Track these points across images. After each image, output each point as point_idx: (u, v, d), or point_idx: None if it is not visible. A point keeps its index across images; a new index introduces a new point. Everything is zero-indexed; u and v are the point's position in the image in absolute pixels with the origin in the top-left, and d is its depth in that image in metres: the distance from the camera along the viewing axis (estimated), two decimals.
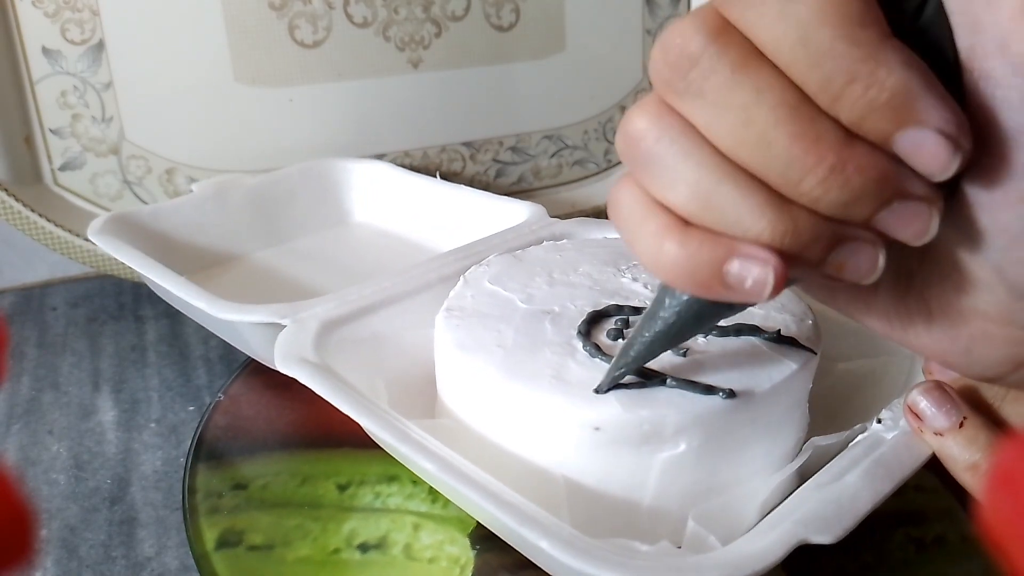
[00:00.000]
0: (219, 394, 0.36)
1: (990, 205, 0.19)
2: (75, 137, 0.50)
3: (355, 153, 0.55)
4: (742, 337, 0.28)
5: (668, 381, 0.26)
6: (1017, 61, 0.17)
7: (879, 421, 0.27)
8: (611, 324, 0.29)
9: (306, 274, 0.47)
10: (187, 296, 0.36)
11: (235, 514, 0.30)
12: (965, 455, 0.24)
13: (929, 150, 0.18)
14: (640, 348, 0.25)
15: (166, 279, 0.38)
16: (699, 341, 0.28)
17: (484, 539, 0.23)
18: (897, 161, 0.18)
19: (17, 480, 0.11)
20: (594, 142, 0.63)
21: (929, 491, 0.31)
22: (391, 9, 0.54)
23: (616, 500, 0.27)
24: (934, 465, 0.26)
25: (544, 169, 0.62)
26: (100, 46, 0.49)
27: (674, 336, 0.24)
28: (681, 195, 0.19)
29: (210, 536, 0.29)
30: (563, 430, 0.26)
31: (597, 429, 0.25)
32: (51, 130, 0.49)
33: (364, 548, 0.29)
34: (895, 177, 0.18)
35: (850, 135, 0.18)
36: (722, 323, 0.28)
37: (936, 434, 0.25)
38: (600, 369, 0.27)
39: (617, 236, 0.39)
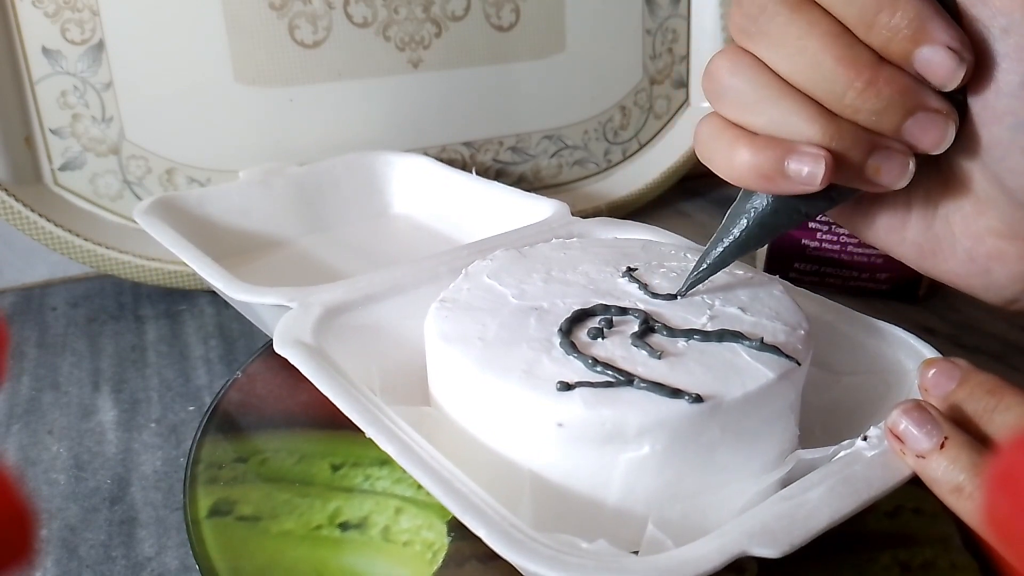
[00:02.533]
0: (238, 372, 0.37)
1: (986, 120, 0.24)
2: (75, 137, 0.50)
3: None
4: (724, 343, 0.28)
5: (636, 382, 0.26)
6: None
7: (865, 438, 0.26)
8: (594, 323, 0.29)
9: (342, 262, 0.49)
10: (210, 278, 0.38)
11: (231, 485, 0.31)
12: (948, 477, 0.23)
13: (940, 63, 0.23)
14: (717, 254, 0.29)
15: (195, 261, 0.39)
16: (679, 344, 0.28)
17: (460, 527, 0.23)
18: (917, 80, 0.24)
19: (17, 480, 0.11)
20: (594, 142, 0.63)
21: (928, 515, 0.30)
22: (391, 9, 0.54)
23: (580, 498, 0.27)
24: None
25: (544, 169, 0.62)
26: (100, 46, 0.49)
27: (744, 241, 0.28)
28: (751, 112, 0.25)
29: (204, 504, 0.30)
30: (529, 424, 0.26)
31: (560, 425, 0.25)
32: (51, 130, 0.49)
33: (345, 527, 0.29)
34: (916, 91, 0.24)
35: (880, 59, 0.24)
36: (705, 328, 0.28)
37: (918, 456, 0.24)
38: (574, 367, 0.27)
39: (626, 237, 0.39)
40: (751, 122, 0.25)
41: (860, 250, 0.48)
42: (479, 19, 0.56)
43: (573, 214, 0.44)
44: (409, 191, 0.54)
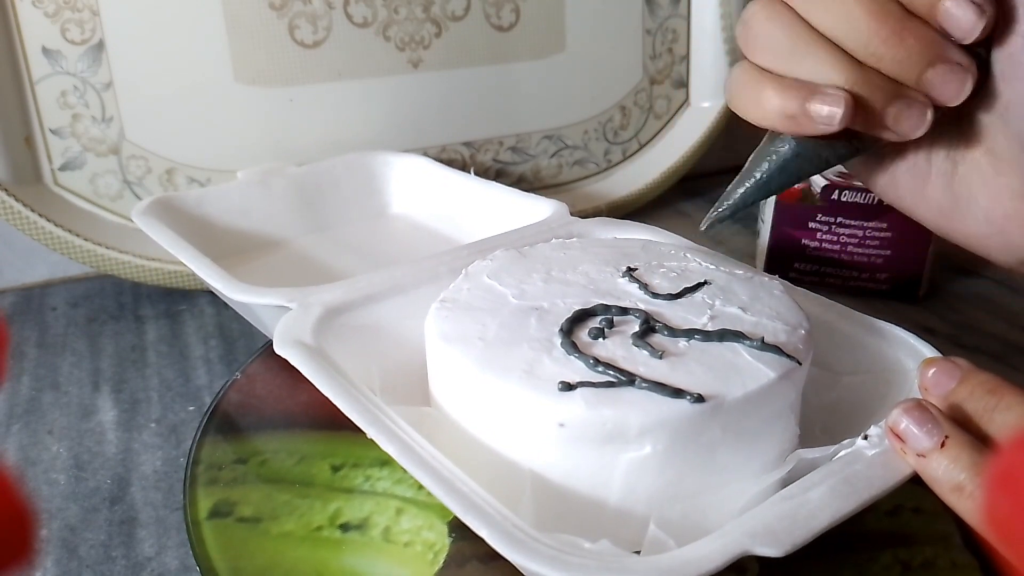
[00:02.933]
0: (237, 372, 0.37)
1: (1010, 76, 0.26)
2: (75, 137, 0.50)
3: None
4: (725, 343, 0.28)
5: (637, 382, 0.26)
6: None
7: (865, 437, 0.26)
8: (595, 323, 0.29)
9: (341, 262, 0.49)
10: (209, 278, 0.38)
11: (231, 486, 0.31)
12: (949, 476, 0.23)
13: (961, 14, 0.25)
14: (739, 194, 0.29)
15: (194, 261, 0.39)
16: (679, 344, 0.28)
17: (460, 527, 0.23)
18: (941, 35, 0.25)
19: (17, 480, 0.11)
20: (594, 142, 0.63)
21: (928, 514, 0.30)
22: (391, 9, 0.54)
23: (582, 498, 0.27)
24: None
25: (544, 169, 0.62)
26: (100, 46, 0.49)
27: (766, 182, 0.29)
28: (783, 58, 0.27)
29: (204, 505, 0.30)
30: (530, 425, 0.26)
31: (562, 425, 0.25)
32: (51, 130, 0.49)
33: (345, 528, 0.29)
34: (938, 43, 0.25)
35: (907, 12, 0.25)
36: (706, 328, 0.28)
37: (919, 456, 0.24)
38: (575, 367, 0.27)
39: (626, 237, 0.39)
40: (781, 67, 0.27)
41: (860, 250, 0.48)
42: (479, 19, 0.56)
43: (573, 214, 0.44)
44: (408, 191, 0.54)
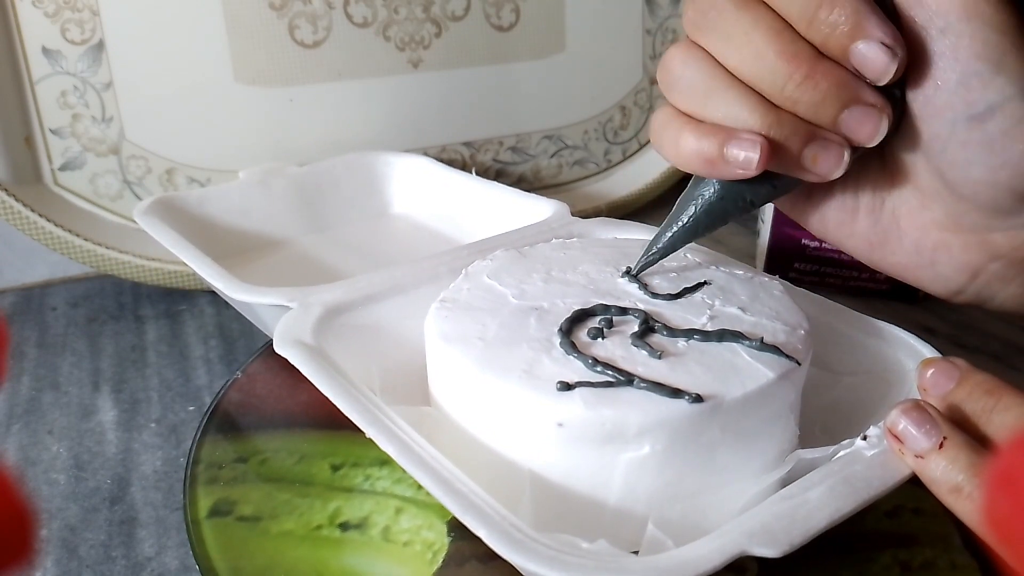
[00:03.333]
0: (238, 372, 0.37)
1: (927, 116, 0.26)
2: (75, 137, 0.50)
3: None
4: (724, 343, 0.28)
5: (636, 382, 0.26)
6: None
7: (864, 437, 0.26)
8: (594, 323, 0.29)
9: (342, 262, 0.49)
10: (210, 278, 0.38)
11: (231, 486, 0.31)
12: (947, 477, 0.23)
13: (874, 57, 0.25)
14: (667, 239, 0.30)
15: (195, 261, 0.39)
16: (679, 344, 0.28)
17: (460, 527, 0.23)
18: (854, 76, 0.25)
19: (17, 480, 0.11)
20: (594, 142, 0.63)
21: (928, 515, 0.30)
22: (391, 9, 0.54)
23: (581, 498, 0.27)
24: None
25: (544, 169, 0.62)
26: (100, 46, 0.49)
27: (693, 227, 0.30)
28: (699, 102, 0.27)
29: (204, 504, 0.30)
30: (529, 424, 0.26)
31: (560, 425, 0.25)
32: (51, 130, 0.49)
33: (345, 527, 0.30)
34: (853, 85, 0.25)
35: (819, 54, 0.25)
36: (705, 328, 0.28)
37: (917, 456, 0.24)
38: (574, 367, 0.27)
39: (626, 237, 0.39)
40: (698, 111, 0.27)
41: None
42: (479, 19, 0.56)
43: (573, 214, 0.44)
44: (409, 191, 0.54)
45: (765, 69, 0.26)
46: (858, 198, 0.29)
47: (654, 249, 0.31)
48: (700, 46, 0.27)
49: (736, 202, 0.29)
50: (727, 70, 0.27)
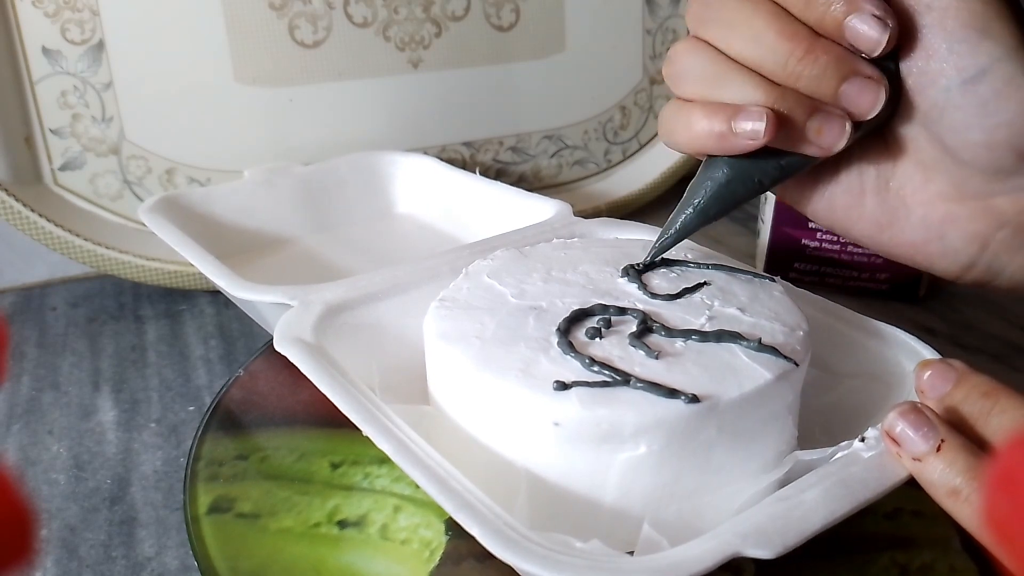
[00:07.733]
0: (240, 369, 0.37)
1: (922, 86, 0.27)
2: (75, 137, 0.50)
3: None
4: (722, 344, 0.28)
5: (632, 382, 0.26)
6: None
7: (862, 439, 0.26)
8: (592, 323, 0.29)
9: (346, 261, 0.49)
10: (213, 276, 0.38)
11: (231, 483, 0.31)
12: (945, 480, 0.23)
13: (867, 29, 0.26)
14: (680, 222, 0.31)
15: (199, 259, 0.39)
16: (676, 345, 0.28)
17: (457, 525, 0.23)
18: (850, 51, 0.27)
19: (17, 480, 0.11)
20: (594, 142, 0.63)
21: (928, 517, 0.30)
22: (391, 9, 0.54)
23: (576, 498, 0.27)
24: None
25: (544, 169, 0.62)
26: (100, 46, 0.49)
27: (704, 209, 0.30)
28: (707, 87, 0.28)
29: (204, 501, 0.30)
30: (525, 424, 0.26)
31: (557, 424, 0.25)
32: (51, 130, 0.49)
33: (343, 525, 0.30)
34: (849, 59, 0.27)
35: (816, 33, 0.27)
36: (704, 328, 0.28)
37: (915, 459, 0.24)
38: (571, 367, 0.27)
39: (627, 238, 0.39)
40: (707, 94, 0.28)
41: (860, 250, 0.48)
42: (479, 19, 0.56)
43: (573, 214, 0.44)
44: (413, 191, 0.54)
45: (767, 50, 0.27)
46: (863, 179, 0.30)
47: (668, 234, 0.31)
48: (704, 40, 0.29)
49: (745, 183, 0.29)
50: (731, 58, 0.28)
